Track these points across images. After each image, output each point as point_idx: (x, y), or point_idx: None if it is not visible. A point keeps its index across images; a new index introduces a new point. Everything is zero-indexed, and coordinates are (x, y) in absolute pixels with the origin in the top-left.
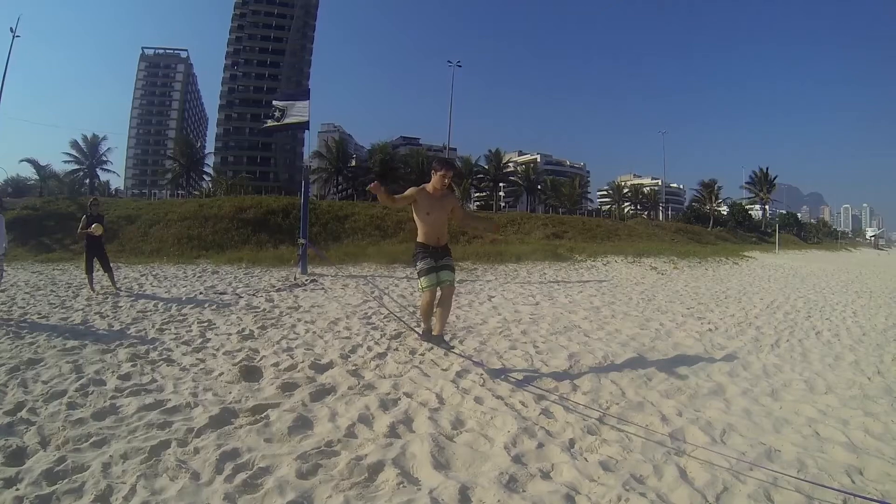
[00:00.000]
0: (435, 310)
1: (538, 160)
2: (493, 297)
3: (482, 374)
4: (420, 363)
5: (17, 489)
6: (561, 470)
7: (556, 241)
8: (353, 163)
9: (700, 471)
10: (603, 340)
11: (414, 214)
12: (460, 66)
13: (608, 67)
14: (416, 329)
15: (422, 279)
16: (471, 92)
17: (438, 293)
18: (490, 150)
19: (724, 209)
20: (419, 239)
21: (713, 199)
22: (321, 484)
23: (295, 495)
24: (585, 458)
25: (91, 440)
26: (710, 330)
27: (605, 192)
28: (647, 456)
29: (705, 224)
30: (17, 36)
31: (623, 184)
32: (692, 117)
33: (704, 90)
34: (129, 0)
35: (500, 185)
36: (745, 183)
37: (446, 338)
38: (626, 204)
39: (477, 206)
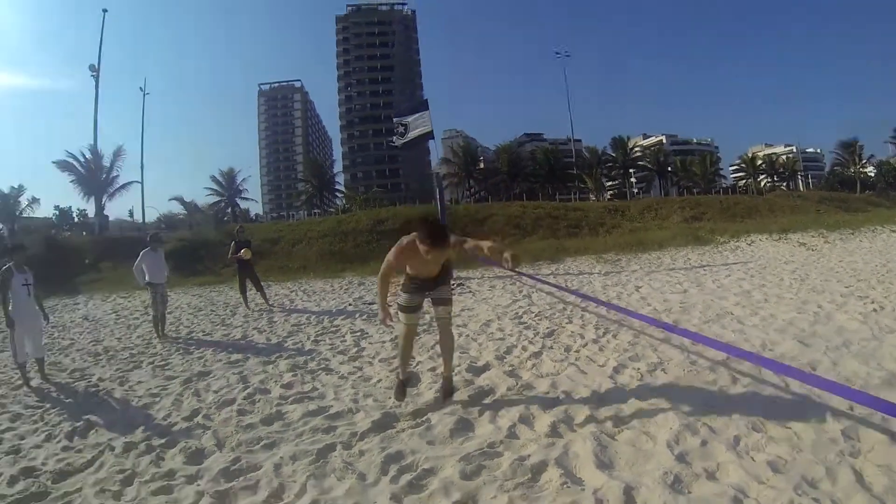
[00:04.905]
0: (440, 348)
1: (664, 141)
2: (641, 286)
3: (639, 369)
4: (576, 360)
5: (198, 485)
6: (727, 470)
7: (696, 223)
8: (482, 165)
9: (878, 475)
10: (758, 327)
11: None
12: (568, 56)
13: (726, 31)
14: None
15: (401, 314)
16: (588, 79)
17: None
18: (614, 138)
19: (870, 170)
20: (409, 272)
21: (857, 160)
22: (485, 485)
23: (460, 495)
24: (752, 458)
25: (262, 443)
26: (875, 310)
27: (737, 167)
28: (819, 457)
29: (852, 189)
30: (147, 93)
31: (755, 155)
32: (817, 63)
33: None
34: (240, 47)
35: (630, 171)
36: (890, 137)
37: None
38: (762, 177)
39: (610, 195)
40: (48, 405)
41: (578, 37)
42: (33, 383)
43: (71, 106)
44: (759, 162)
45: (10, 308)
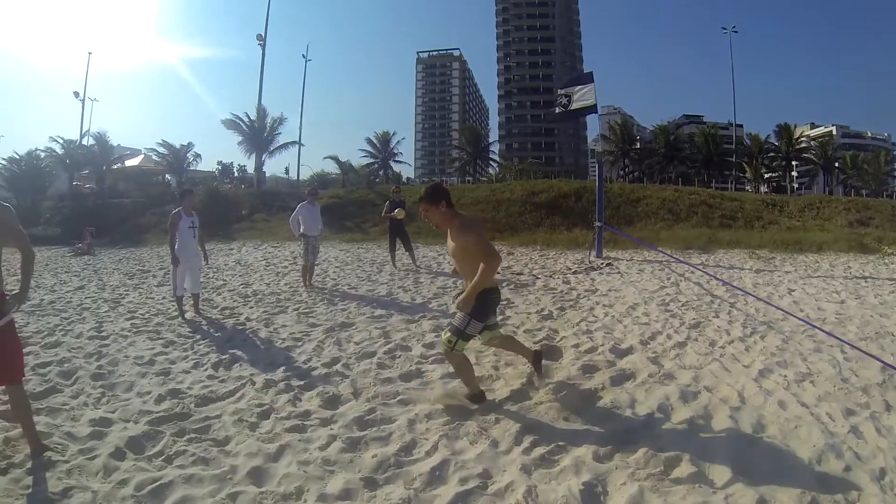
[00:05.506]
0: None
1: (834, 133)
2: (794, 290)
3: (786, 377)
4: (721, 356)
5: (332, 429)
6: (867, 503)
7: (861, 228)
8: (638, 145)
9: None
10: None
11: None
12: (736, 32)
13: None
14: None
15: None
16: (756, 58)
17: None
18: (779, 125)
19: None
20: None
21: None
22: (617, 469)
23: (590, 476)
24: None
25: (398, 398)
26: None
27: None
28: None
29: None
30: (309, 60)
31: None
32: None
33: None
34: (400, 14)
35: (793, 163)
36: None
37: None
38: None
39: (767, 188)
40: (198, 336)
41: (747, 13)
42: (187, 315)
43: (237, 73)
44: None
45: (176, 247)
